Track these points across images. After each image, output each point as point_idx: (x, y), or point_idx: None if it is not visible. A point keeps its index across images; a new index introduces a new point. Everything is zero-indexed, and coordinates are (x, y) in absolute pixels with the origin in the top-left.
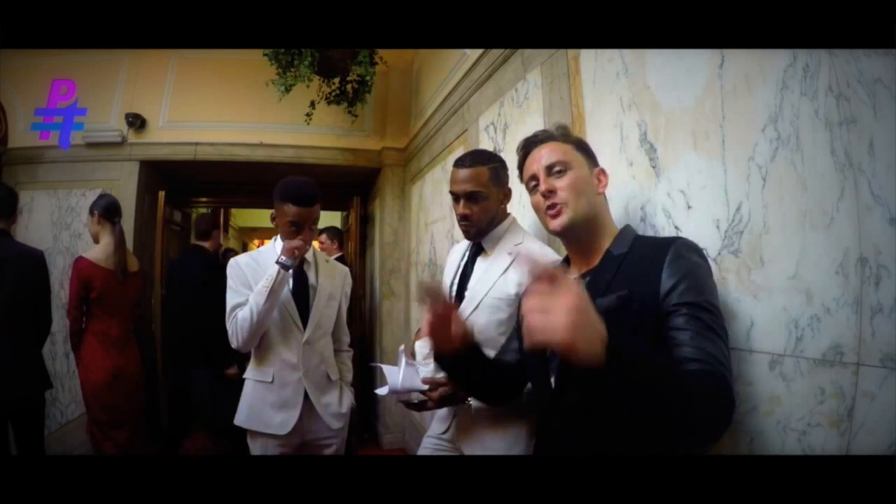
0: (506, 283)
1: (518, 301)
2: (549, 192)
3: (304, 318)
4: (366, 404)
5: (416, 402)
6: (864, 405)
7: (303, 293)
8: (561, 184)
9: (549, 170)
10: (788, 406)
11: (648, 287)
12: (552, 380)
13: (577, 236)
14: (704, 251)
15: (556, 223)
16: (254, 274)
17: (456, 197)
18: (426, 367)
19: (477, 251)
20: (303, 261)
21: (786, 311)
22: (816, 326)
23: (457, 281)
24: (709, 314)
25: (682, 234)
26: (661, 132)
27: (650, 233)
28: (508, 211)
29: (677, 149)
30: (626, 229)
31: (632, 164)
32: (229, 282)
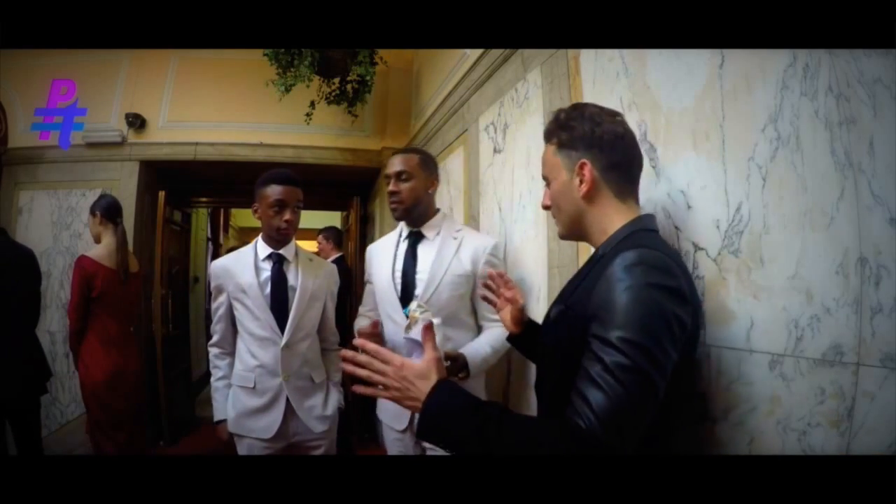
0: (460, 262)
1: (473, 278)
2: (545, 207)
3: (284, 321)
4: (366, 403)
5: None
6: (864, 405)
7: (281, 295)
8: (548, 198)
9: (545, 181)
10: (788, 406)
11: (582, 305)
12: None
13: (580, 240)
14: (704, 251)
15: (558, 233)
16: (227, 275)
17: (388, 178)
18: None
19: (415, 240)
20: (282, 260)
21: (786, 311)
22: (816, 326)
23: (399, 268)
24: (619, 354)
25: (682, 234)
26: (661, 132)
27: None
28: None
29: (677, 149)
30: (632, 223)
31: None
32: (211, 285)
